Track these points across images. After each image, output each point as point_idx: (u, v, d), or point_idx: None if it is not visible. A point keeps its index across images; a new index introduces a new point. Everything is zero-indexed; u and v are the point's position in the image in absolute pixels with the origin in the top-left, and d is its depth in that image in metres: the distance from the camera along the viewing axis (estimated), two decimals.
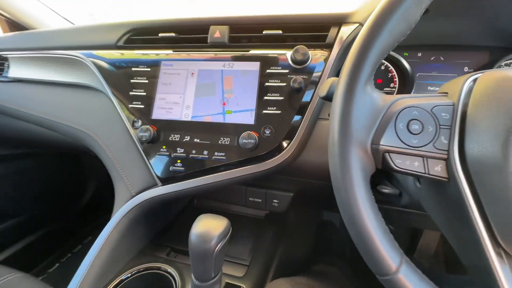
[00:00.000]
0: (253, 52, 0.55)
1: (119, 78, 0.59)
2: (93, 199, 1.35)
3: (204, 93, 0.55)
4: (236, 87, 0.54)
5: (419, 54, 0.60)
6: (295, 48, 0.50)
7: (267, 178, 0.63)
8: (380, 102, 0.29)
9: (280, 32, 0.56)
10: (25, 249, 1.10)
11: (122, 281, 0.53)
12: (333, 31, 0.53)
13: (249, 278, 0.56)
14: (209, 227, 0.40)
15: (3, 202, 1.04)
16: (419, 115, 0.28)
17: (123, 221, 0.54)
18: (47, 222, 1.20)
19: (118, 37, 0.64)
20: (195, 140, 0.53)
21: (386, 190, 0.47)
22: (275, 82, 0.52)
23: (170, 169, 0.53)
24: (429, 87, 0.59)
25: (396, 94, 0.61)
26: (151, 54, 0.60)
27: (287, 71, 0.52)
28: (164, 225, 0.72)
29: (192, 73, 0.56)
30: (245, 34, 0.58)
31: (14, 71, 0.75)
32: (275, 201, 0.66)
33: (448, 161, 0.27)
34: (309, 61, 0.51)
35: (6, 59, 0.76)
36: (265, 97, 0.52)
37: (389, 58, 0.60)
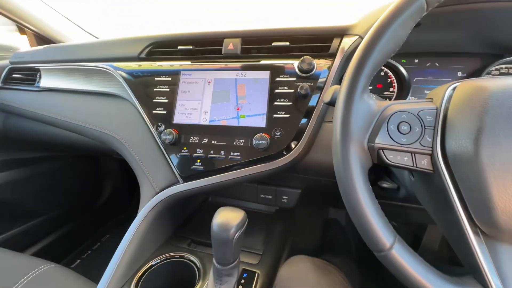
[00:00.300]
0: (264, 62, 0.61)
1: (143, 87, 0.66)
2: (109, 199, 1.43)
3: (220, 99, 0.61)
4: (248, 94, 0.60)
5: (416, 61, 0.65)
6: (301, 58, 0.56)
7: (277, 176, 0.68)
8: (374, 107, 0.35)
9: (288, 43, 0.62)
10: (48, 247, 1.18)
11: (152, 266, 0.59)
12: (335, 41, 0.59)
13: (262, 265, 0.62)
14: (228, 217, 0.45)
15: (31, 202, 1.12)
16: (407, 118, 0.34)
17: (150, 215, 0.60)
18: (68, 220, 1.28)
19: (140, 50, 0.70)
20: (213, 141, 0.59)
21: (386, 184, 0.53)
22: (284, 89, 0.57)
23: (191, 168, 0.59)
24: (425, 91, 0.64)
25: (395, 97, 0.66)
26: (171, 65, 0.66)
27: (295, 79, 0.57)
28: (183, 220, 0.79)
29: (209, 82, 0.62)
30: (255, 45, 0.64)
31: (46, 81, 0.82)
32: (284, 197, 0.72)
33: (432, 156, 0.32)
34: (314, 69, 0.57)
35: (38, 70, 0.84)
36: (275, 103, 0.57)
37: (388, 65, 0.66)
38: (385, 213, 0.33)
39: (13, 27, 1.07)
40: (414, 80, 0.65)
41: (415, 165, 0.33)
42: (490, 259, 0.30)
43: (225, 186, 0.59)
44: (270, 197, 0.73)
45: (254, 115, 0.58)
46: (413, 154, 0.33)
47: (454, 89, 0.34)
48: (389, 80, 0.66)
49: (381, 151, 0.34)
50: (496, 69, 0.59)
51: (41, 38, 1.03)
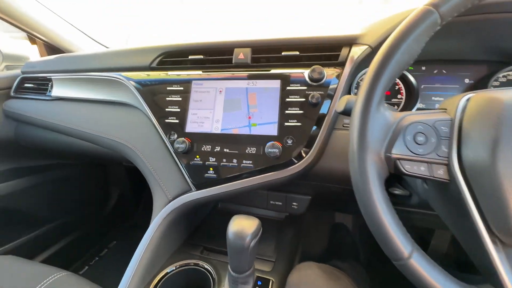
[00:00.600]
0: (274, 71, 0.62)
1: (155, 96, 0.67)
2: (116, 206, 1.44)
3: (232, 108, 0.62)
4: (259, 103, 0.61)
5: (423, 68, 0.66)
6: (312, 68, 0.57)
7: (287, 183, 0.69)
8: (391, 118, 0.36)
9: (297, 52, 0.63)
10: (56, 254, 1.18)
11: (167, 273, 0.60)
12: (344, 50, 0.60)
13: (276, 272, 0.63)
14: (243, 226, 0.46)
15: (40, 209, 1.13)
16: (423, 129, 0.35)
17: (163, 222, 0.61)
18: (76, 228, 1.29)
19: (151, 60, 0.72)
20: (225, 150, 0.60)
21: (397, 191, 0.53)
22: (295, 98, 0.58)
23: (204, 176, 0.60)
24: (433, 98, 0.65)
25: (403, 104, 0.67)
26: (182, 74, 0.67)
27: (305, 87, 0.58)
28: (194, 227, 0.79)
29: (220, 91, 0.64)
30: (265, 55, 0.65)
31: (57, 90, 0.84)
32: (295, 203, 0.73)
33: (448, 166, 0.33)
34: (324, 78, 0.58)
35: (50, 80, 0.85)
36: (286, 111, 0.58)
37: None
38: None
39: (17, 34, 1.09)
40: (422, 87, 0.65)
41: (431, 175, 0.34)
42: (508, 267, 0.30)
43: (237, 193, 0.60)
44: (280, 203, 0.74)
45: (266, 123, 0.59)
46: (429, 164, 0.34)
47: (468, 100, 0.34)
48: (397, 87, 0.67)
49: (398, 161, 0.34)
50: (504, 76, 0.60)
51: (51, 48, 1.05)
